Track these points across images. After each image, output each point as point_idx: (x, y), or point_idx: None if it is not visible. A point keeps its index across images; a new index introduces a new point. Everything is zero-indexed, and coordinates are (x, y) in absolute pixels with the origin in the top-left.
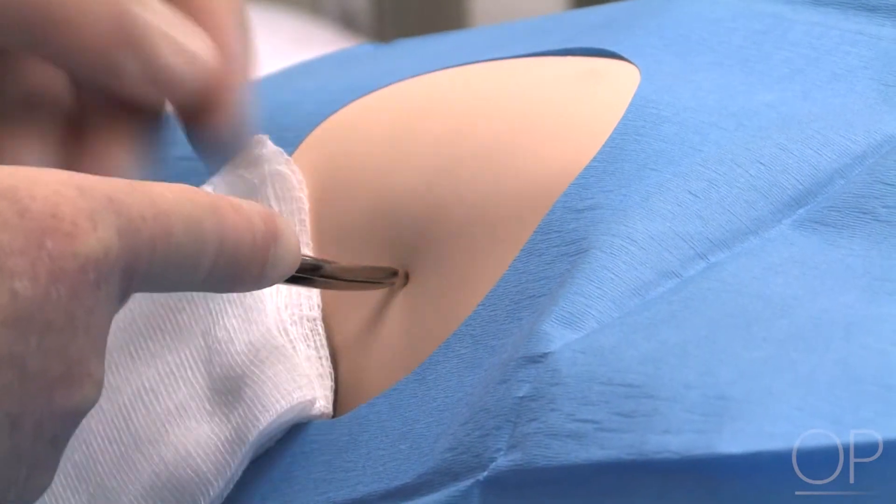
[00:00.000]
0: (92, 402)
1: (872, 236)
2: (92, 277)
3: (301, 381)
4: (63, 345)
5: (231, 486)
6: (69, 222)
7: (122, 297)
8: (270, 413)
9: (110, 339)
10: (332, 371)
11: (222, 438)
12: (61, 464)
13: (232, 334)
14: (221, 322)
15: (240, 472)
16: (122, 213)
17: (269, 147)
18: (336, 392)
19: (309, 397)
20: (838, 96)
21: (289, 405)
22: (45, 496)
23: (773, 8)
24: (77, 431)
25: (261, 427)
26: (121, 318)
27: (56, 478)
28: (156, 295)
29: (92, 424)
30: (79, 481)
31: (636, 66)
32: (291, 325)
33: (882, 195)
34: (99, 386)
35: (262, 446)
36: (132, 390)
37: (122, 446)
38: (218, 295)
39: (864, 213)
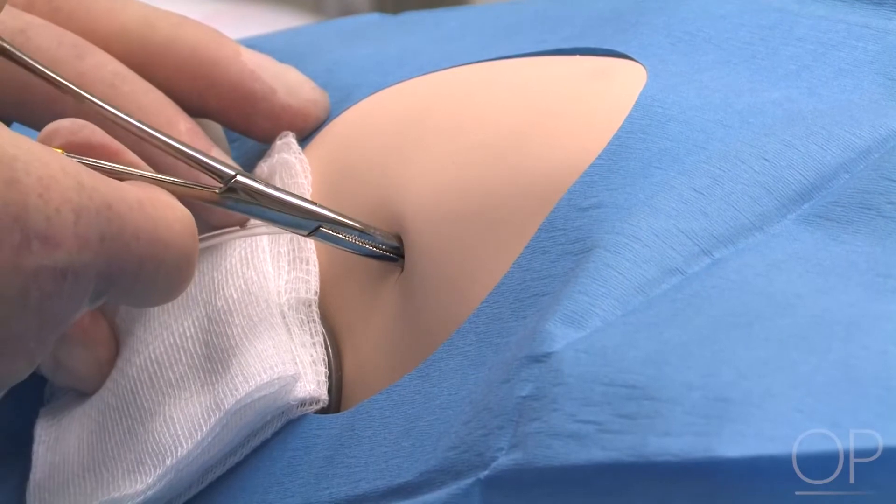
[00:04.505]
0: (17, 378)
1: (877, 232)
2: (59, 266)
3: (286, 358)
4: (6, 316)
5: (199, 451)
6: (53, 208)
7: (95, 298)
8: (250, 384)
9: (133, 309)
10: (325, 358)
11: (204, 406)
12: (80, 433)
13: (231, 305)
14: (222, 292)
15: (210, 438)
16: (115, 223)
17: (284, 139)
18: (341, 387)
19: (291, 372)
20: (844, 92)
21: (269, 378)
22: (59, 472)
23: (780, 2)
24: (93, 405)
25: (238, 395)
26: None
27: (74, 455)
28: None
29: (107, 398)
30: (90, 452)
31: (643, 65)
32: (289, 308)
33: (887, 191)
34: (32, 365)
35: (254, 431)
36: (141, 362)
37: (129, 420)
38: (222, 265)
39: (869, 209)
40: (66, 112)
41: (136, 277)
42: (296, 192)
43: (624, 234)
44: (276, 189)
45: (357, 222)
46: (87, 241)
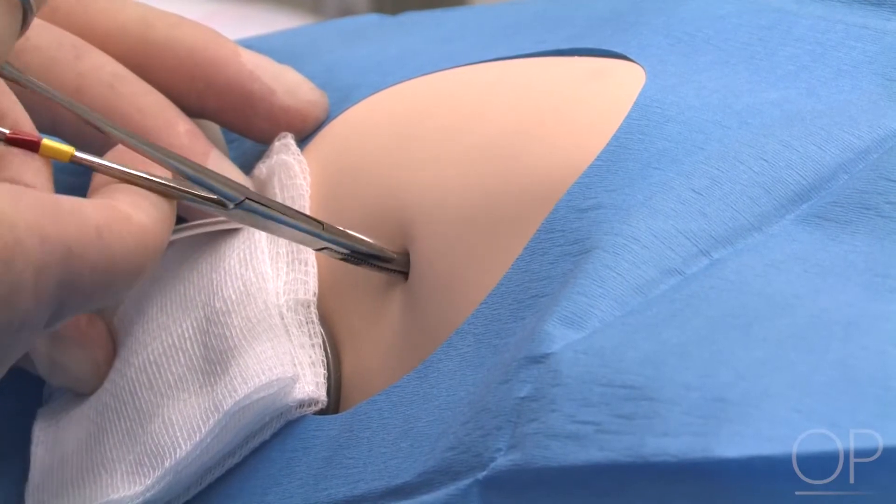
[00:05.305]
0: None
1: (875, 232)
2: (16, 325)
3: (284, 359)
4: None
5: (199, 452)
6: (16, 273)
7: (48, 326)
8: (249, 385)
9: (131, 311)
10: (324, 359)
11: (202, 407)
12: (78, 434)
13: (229, 306)
14: (220, 294)
15: (209, 439)
16: (74, 266)
17: (283, 140)
18: (339, 388)
19: (290, 374)
20: (843, 93)
21: (268, 380)
22: (57, 473)
23: (780, 2)
24: (91, 406)
25: (237, 397)
26: (135, 291)
27: (72, 457)
28: (170, 266)
29: (105, 399)
30: (88, 453)
31: (642, 66)
32: (287, 310)
33: (885, 191)
34: None
35: (252, 433)
36: (139, 363)
37: (128, 421)
38: (220, 267)
39: (868, 209)
40: (93, 139)
41: (87, 299)
42: (297, 195)
43: (623, 235)
44: (287, 209)
45: (366, 243)
46: (44, 294)
